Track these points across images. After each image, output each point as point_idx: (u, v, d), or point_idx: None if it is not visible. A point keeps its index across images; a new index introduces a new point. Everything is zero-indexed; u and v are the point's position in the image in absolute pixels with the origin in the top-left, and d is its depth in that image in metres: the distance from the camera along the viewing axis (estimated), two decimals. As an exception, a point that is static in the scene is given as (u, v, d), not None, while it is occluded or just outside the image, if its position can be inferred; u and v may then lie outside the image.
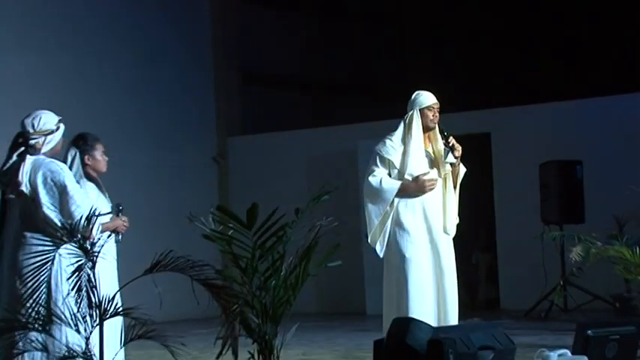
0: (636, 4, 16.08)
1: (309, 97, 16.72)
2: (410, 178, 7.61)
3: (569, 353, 6.32)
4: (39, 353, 5.84)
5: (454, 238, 7.85)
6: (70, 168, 7.28)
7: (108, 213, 7.27)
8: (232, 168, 15.53)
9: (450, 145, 7.70)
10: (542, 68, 17.98)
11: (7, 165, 6.50)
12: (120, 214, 7.38)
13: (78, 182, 7.26)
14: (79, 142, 7.38)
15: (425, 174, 7.58)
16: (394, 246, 7.63)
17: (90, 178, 7.35)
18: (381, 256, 7.64)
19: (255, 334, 5.03)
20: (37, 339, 5.08)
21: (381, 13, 17.90)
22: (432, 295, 7.60)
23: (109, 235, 7.26)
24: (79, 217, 6.19)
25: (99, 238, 6.52)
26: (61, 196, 6.37)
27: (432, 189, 7.60)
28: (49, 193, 6.38)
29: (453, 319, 7.57)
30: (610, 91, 13.57)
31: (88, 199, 6.55)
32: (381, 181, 7.57)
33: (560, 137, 13.26)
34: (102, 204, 7.27)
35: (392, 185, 7.58)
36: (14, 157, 6.49)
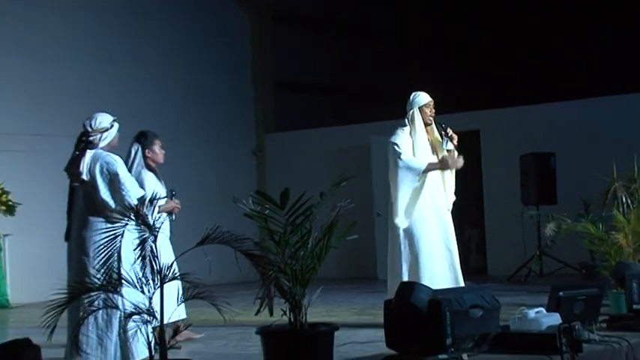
0: (596, 19, 16.04)
1: (330, 100, 16.72)
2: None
3: (545, 310, 6.31)
4: (101, 313, 5.87)
5: (453, 218, 7.86)
6: (134, 160, 7.32)
7: (164, 197, 7.30)
8: (268, 159, 15.57)
9: (449, 135, 7.72)
10: (522, 76, 17.91)
11: (72, 158, 6.55)
12: (173, 198, 7.41)
13: (139, 172, 7.30)
14: (140, 138, 7.42)
15: (449, 151, 7.62)
16: (406, 224, 7.60)
17: (150, 168, 7.37)
18: (400, 223, 7.57)
19: (287, 295, 5.05)
20: (110, 299, 5.11)
21: (389, 32, 17.89)
22: (443, 264, 7.59)
23: (167, 215, 7.30)
24: (129, 200, 6.22)
25: (158, 217, 6.56)
26: (114, 183, 6.39)
27: (454, 164, 7.62)
28: (105, 181, 6.40)
29: (462, 281, 7.59)
30: (578, 96, 13.53)
31: (137, 186, 6.56)
32: (410, 161, 7.54)
33: (537, 133, 13.25)
34: (159, 190, 7.31)
35: (419, 166, 7.55)
36: (77, 152, 6.54)
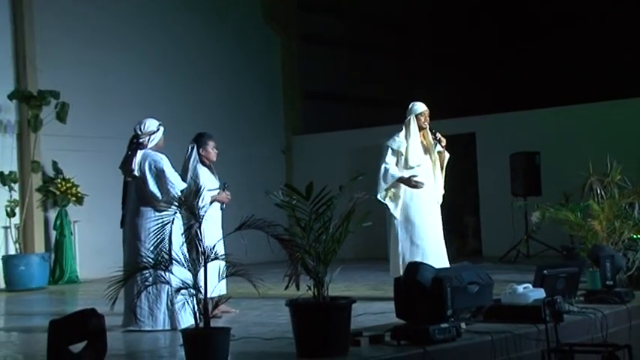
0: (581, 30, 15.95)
1: (348, 107, 16.69)
2: (414, 164, 7.67)
3: (531, 286, 6.28)
4: (152, 288, 5.88)
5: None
6: (190, 156, 7.32)
7: (217, 189, 7.30)
8: (295, 157, 15.56)
9: (438, 139, 7.77)
10: (512, 86, 17.84)
11: (125, 157, 6.59)
12: (225, 190, 7.41)
13: (195, 166, 7.29)
14: (198, 138, 7.43)
15: (414, 176, 7.63)
16: (403, 214, 7.68)
17: (204, 164, 7.37)
18: (396, 214, 7.72)
19: (312, 273, 5.03)
20: (161, 275, 5.12)
21: (397, 50, 17.85)
22: (432, 247, 7.65)
23: (221, 206, 7.30)
24: (173, 191, 6.25)
25: (203, 205, 6.58)
26: (160, 177, 6.42)
27: (415, 184, 7.62)
28: (153, 176, 6.43)
29: (446, 262, 7.62)
30: (559, 103, 13.48)
31: (180, 179, 6.57)
32: (388, 169, 7.68)
33: (524, 135, 13.17)
34: (212, 183, 7.31)
35: (394, 174, 7.67)
36: (129, 152, 6.57)
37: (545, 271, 6.39)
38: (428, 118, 7.81)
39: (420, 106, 7.81)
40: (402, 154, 7.72)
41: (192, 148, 7.33)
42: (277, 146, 15.48)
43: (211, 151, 7.39)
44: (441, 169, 7.86)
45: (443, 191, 7.89)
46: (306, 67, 15.90)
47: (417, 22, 18.18)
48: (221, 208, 7.37)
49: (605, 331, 6.01)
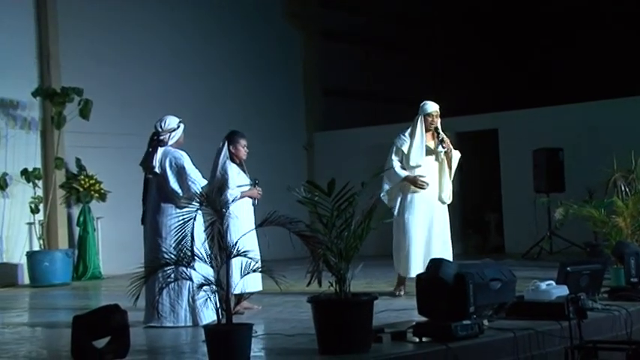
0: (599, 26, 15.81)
1: (368, 104, 16.66)
2: (414, 164, 7.72)
3: (554, 283, 6.24)
4: (173, 284, 5.89)
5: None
6: (220, 153, 7.33)
7: (247, 185, 7.31)
8: (317, 154, 15.56)
9: (440, 139, 7.77)
10: (535, 82, 17.75)
11: (146, 154, 6.60)
12: (256, 186, 7.42)
13: (224, 162, 7.30)
14: (229, 136, 7.45)
15: (421, 176, 7.68)
16: (401, 212, 7.71)
17: (234, 161, 7.38)
18: (396, 213, 7.81)
19: (334, 269, 5.02)
20: (183, 272, 5.13)
21: (417, 46, 17.78)
22: (421, 245, 7.75)
23: (253, 202, 7.31)
24: (195, 188, 6.26)
25: (233, 200, 6.61)
26: (181, 174, 6.43)
27: (421, 185, 7.64)
28: (174, 173, 6.45)
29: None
30: (582, 98, 13.39)
31: (200, 176, 6.58)
32: (394, 168, 7.74)
33: (547, 131, 13.09)
34: (242, 179, 7.32)
35: (400, 173, 7.73)
36: (150, 149, 6.58)
37: (568, 268, 6.35)
38: (437, 119, 7.80)
39: (430, 106, 7.83)
40: (405, 153, 7.78)
41: (224, 145, 7.35)
42: (298, 143, 15.48)
43: (241, 149, 7.41)
44: (450, 169, 7.84)
45: (450, 191, 7.89)
46: (327, 63, 15.89)
47: (438, 18, 18.10)
48: (253, 204, 7.37)
49: (630, 329, 5.95)
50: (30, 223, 11.66)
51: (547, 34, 18.07)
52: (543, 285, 6.12)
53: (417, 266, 7.74)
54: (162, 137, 6.61)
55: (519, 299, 6.03)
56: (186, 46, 13.64)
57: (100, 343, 4.64)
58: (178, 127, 6.70)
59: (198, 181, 6.46)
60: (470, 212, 14.31)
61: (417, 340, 5.25)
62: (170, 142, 6.64)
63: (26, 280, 11.37)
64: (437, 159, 7.83)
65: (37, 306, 9.19)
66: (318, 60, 15.87)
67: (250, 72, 14.61)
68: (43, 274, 11.10)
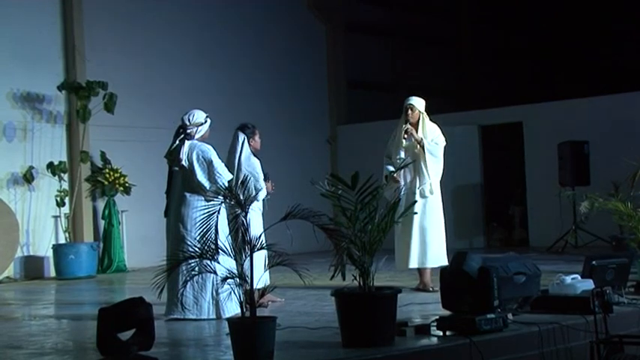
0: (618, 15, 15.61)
1: (392, 97, 16.59)
2: (393, 158, 7.90)
3: (579, 277, 6.20)
4: (197, 277, 5.89)
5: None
6: (242, 147, 7.33)
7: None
8: (340, 147, 15.53)
9: (407, 130, 7.84)
10: (560, 74, 17.61)
11: (172, 147, 6.62)
12: (269, 180, 7.43)
13: (249, 157, 7.31)
14: (245, 129, 7.44)
15: (393, 172, 7.69)
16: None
17: (253, 154, 7.39)
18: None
19: (357, 263, 5.02)
20: (207, 265, 5.15)
21: (443, 38, 17.70)
22: (409, 238, 7.70)
23: (265, 196, 7.33)
24: (222, 181, 6.28)
25: (263, 195, 6.62)
26: (209, 167, 6.47)
27: (394, 183, 7.61)
28: (201, 166, 6.47)
29: (432, 258, 7.69)
30: (607, 91, 13.26)
31: (226, 170, 6.60)
32: (384, 163, 7.86)
33: (572, 124, 12.98)
34: (262, 173, 7.34)
35: (387, 168, 7.84)
36: (177, 142, 6.60)
37: (594, 262, 6.30)
38: (413, 112, 7.79)
39: (407, 99, 7.88)
40: (387, 147, 7.85)
41: (244, 139, 7.34)
42: (322, 136, 15.47)
43: (258, 140, 7.44)
44: (424, 160, 7.78)
45: (432, 185, 7.79)
46: (351, 56, 15.86)
47: (464, 10, 17.99)
48: (266, 198, 7.39)
49: (656, 323, 5.90)
50: (56, 217, 11.76)
51: (574, 26, 17.90)
52: (568, 279, 6.08)
53: (400, 262, 7.84)
54: (189, 131, 6.64)
55: (544, 293, 5.99)
56: (210, 40, 13.67)
57: (125, 335, 4.67)
58: (205, 121, 6.73)
59: (224, 175, 6.48)
60: (494, 205, 14.24)
61: (441, 333, 5.24)
62: (197, 136, 6.67)
63: (52, 273, 11.47)
64: (416, 153, 7.84)
65: (63, 299, 9.27)
66: (342, 52, 15.84)
67: (274, 65, 14.62)
68: (68, 266, 11.20)
